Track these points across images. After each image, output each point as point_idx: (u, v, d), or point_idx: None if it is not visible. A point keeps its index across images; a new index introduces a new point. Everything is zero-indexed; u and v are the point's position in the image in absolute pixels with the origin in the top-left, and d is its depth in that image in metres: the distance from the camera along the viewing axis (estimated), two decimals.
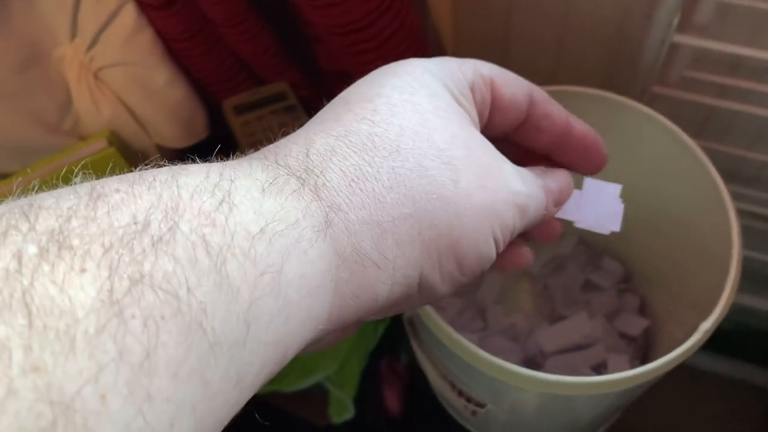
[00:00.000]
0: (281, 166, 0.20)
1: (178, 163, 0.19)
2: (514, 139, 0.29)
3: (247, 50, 0.53)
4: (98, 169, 0.56)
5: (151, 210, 0.16)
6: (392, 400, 0.59)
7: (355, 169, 0.20)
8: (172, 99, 0.54)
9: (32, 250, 0.14)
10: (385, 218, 0.20)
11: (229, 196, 0.18)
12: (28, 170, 0.52)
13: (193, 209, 0.17)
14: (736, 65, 0.46)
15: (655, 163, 0.43)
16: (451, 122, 0.22)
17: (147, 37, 0.50)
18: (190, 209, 0.17)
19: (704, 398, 0.60)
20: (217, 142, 0.61)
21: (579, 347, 0.48)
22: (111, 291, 0.14)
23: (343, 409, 0.54)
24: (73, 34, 0.49)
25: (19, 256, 0.14)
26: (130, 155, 0.54)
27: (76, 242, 0.15)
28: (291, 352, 0.19)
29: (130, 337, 0.14)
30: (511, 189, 0.23)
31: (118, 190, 0.16)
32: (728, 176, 0.41)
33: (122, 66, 0.50)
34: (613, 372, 0.47)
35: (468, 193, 0.21)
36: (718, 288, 0.37)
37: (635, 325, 0.49)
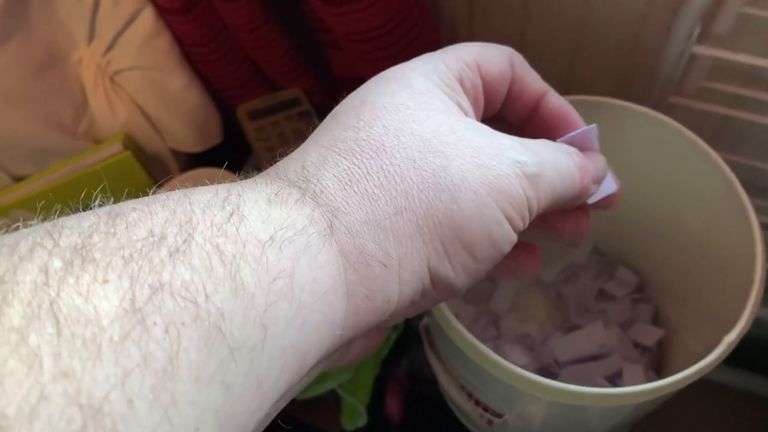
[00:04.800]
0: (282, 179, 0.21)
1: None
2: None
3: (264, 56, 0.53)
4: (113, 173, 0.56)
5: (167, 224, 0.17)
6: (393, 406, 0.59)
7: (347, 173, 0.21)
8: (187, 103, 0.54)
9: (57, 263, 0.15)
10: (382, 216, 0.20)
11: (238, 208, 0.18)
12: (44, 173, 0.52)
13: (206, 222, 0.17)
14: (752, 76, 0.46)
15: (674, 174, 0.43)
16: (435, 112, 0.22)
17: (164, 42, 0.50)
18: (203, 222, 0.17)
19: (714, 410, 0.60)
20: (230, 147, 0.62)
21: (594, 357, 0.48)
22: (133, 299, 0.15)
23: (355, 416, 0.53)
24: (91, 37, 0.49)
25: (45, 270, 0.14)
26: (144, 159, 0.54)
27: (98, 255, 0.15)
28: (311, 358, 0.19)
29: (153, 344, 0.14)
30: (513, 160, 0.22)
31: (134, 209, 0.17)
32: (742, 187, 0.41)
33: (139, 70, 0.51)
34: (628, 382, 0.47)
35: (462, 176, 0.21)
36: (737, 299, 0.37)
37: (650, 335, 0.49)
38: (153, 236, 0.16)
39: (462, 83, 0.25)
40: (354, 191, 0.20)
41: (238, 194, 0.19)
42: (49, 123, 0.51)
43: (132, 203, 0.18)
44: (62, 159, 0.52)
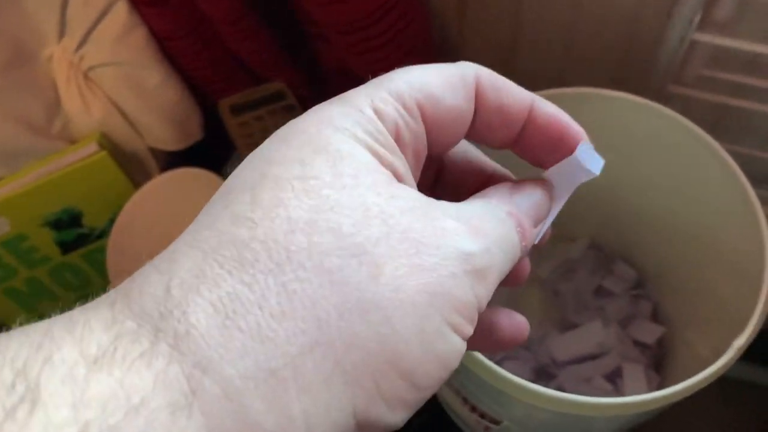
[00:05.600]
0: (134, 313, 0.14)
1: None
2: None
3: (245, 49, 0.51)
4: (89, 175, 0.54)
5: None
6: None
7: (231, 300, 0.15)
8: (165, 99, 0.51)
9: None
10: (280, 361, 0.14)
11: (36, 388, 0.13)
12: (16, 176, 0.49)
13: None
14: (752, 64, 0.44)
15: (675, 166, 0.42)
16: (361, 187, 0.17)
17: (139, 36, 0.48)
18: None
19: (711, 399, 0.59)
20: (213, 144, 0.59)
21: (592, 356, 0.47)
22: None
23: None
24: (62, 33, 0.47)
25: None
26: (122, 159, 0.52)
27: None
28: None
29: None
30: (460, 253, 0.17)
31: None
32: None
33: (113, 66, 0.48)
34: (628, 382, 0.46)
35: (396, 286, 0.16)
36: (743, 295, 0.35)
37: (650, 333, 0.47)
38: None
39: (398, 136, 0.18)
40: (238, 329, 0.14)
41: (45, 359, 0.13)
42: (20, 123, 0.48)
43: None
44: (35, 160, 0.50)
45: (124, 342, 0.14)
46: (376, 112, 0.18)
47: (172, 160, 0.57)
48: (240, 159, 0.58)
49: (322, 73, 0.55)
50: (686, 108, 0.47)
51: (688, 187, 0.42)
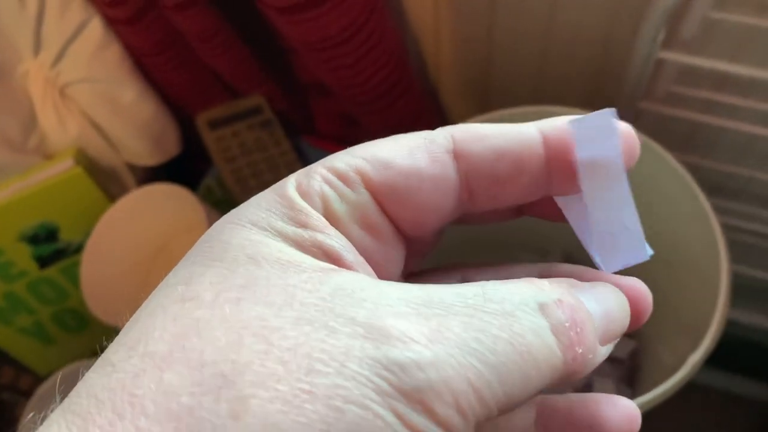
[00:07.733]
0: None
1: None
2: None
3: (221, 64, 0.51)
4: (64, 190, 0.54)
5: None
6: None
7: None
8: (141, 115, 0.52)
9: None
10: None
11: None
12: None
13: None
14: (721, 80, 0.45)
15: (638, 184, 0.42)
16: (249, 301, 0.13)
17: (114, 52, 0.48)
18: None
19: (692, 410, 0.60)
20: (192, 158, 0.60)
21: None
22: None
23: None
24: (37, 49, 0.47)
25: None
26: (98, 174, 0.52)
27: None
28: None
29: None
30: (377, 362, 0.12)
31: None
32: (713, 190, 0.40)
33: (89, 82, 0.49)
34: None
35: (267, 424, 0.12)
36: (704, 309, 0.36)
37: (622, 347, 0.48)
38: None
39: (327, 209, 0.15)
40: None
41: None
42: None
43: None
44: (11, 176, 0.50)
45: None
46: (299, 189, 0.15)
47: (150, 175, 0.57)
48: (217, 174, 0.57)
49: (299, 87, 0.56)
50: (658, 124, 0.47)
51: (649, 201, 0.42)
